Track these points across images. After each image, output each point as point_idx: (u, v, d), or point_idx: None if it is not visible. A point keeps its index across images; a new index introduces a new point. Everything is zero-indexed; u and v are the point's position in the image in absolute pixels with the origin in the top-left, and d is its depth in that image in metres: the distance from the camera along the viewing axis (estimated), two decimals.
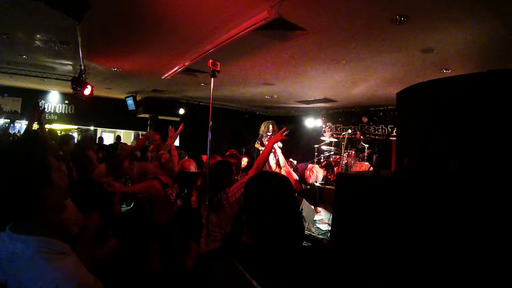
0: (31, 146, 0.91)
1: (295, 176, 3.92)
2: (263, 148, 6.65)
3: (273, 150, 3.61)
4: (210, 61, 2.03)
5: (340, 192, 2.06)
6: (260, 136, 6.66)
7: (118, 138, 9.46)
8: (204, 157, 3.53)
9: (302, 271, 0.98)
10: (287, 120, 10.74)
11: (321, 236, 4.09)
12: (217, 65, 2.04)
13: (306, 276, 0.97)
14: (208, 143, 2.22)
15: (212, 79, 2.02)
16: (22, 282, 0.82)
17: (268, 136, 6.41)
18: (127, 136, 11.12)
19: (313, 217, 4.76)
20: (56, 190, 0.90)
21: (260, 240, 1.04)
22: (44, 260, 0.83)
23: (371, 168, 2.26)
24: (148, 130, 9.69)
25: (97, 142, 8.88)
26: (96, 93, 5.96)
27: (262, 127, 6.51)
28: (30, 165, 0.85)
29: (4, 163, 0.84)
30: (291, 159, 6.83)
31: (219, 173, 2.42)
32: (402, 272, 1.44)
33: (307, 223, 4.49)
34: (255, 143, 6.89)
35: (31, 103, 8.81)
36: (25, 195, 0.83)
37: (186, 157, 4.80)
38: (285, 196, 1.10)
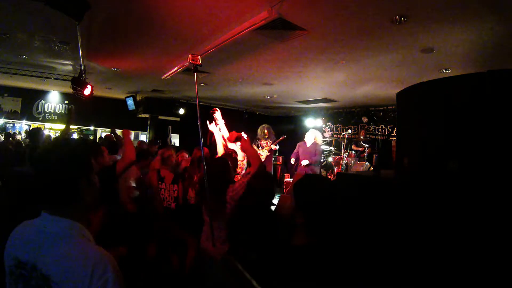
0: (82, 147, 1.07)
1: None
2: (259, 151, 6.80)
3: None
4: (190, 55, 1.98)
5: (340, 192, 2.05)
6: (256, 139, 6.80)
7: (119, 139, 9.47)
8: (198, 152, 3.53)
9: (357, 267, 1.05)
10: (287, 120, 10.74)
11: None
12: (198, 59, 1.98)
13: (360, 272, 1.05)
14: (201, 140, 2.20)
15: (195, 74, 1.96)
16: (59, 259, 0.87)
17: (265, 140, 6.63)
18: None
19: None
20: (92, 187, 1.03)
21: (323, 240, 1.08)
22: (81, 240, 0.93)
23: (371, 168, 2.26)
24: (148, 130, 9.70)
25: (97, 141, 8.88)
26: (96, 93, 5.95)
27: (259, 131, 6.78)
28: (76, 161, 1.00)
29: (54, 157, 0.98)
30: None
31: (221, 173, 2.39)
32: (402, 271, 1.44)
33: None
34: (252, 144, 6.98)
35: (31, 103, 8.85)
36: (66, 184, 0.96)
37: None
38: (335, 198, 1.17)
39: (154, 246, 3.17)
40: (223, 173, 2.37)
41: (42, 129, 8.44)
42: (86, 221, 1.02)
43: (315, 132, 6.23)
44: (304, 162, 5.86)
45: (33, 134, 4.50)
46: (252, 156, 2.44)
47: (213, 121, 3.47)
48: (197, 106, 2.22)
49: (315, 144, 6.05)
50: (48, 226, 0.93)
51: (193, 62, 2.08)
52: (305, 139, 6.16)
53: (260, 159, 2.48)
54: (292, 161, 6.28)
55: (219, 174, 2.36)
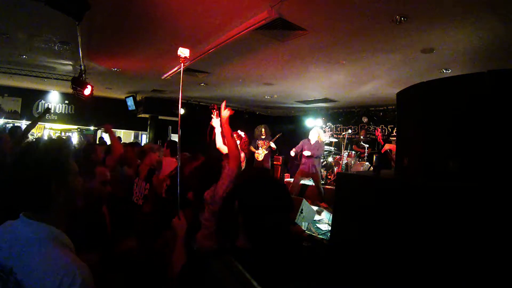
0: (53, 147, 1.02)
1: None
2: (256, 151, 6.84)
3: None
4: (180, 48, 1.90)
5: (340, 192, 2.06)
6: (254, 139, 6.85)
7: (118, 139, 9.46)
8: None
9: (303, 273, 0.97)
10: (287, 120, 10.73)
11: (321, 236, 4.09)
12: (187, 52, 1.90)
13: (307, 278, 0.97)
14: (178, 140, 2.15)
15: (182, 66, 1.89)
16: (30, 265, 0.86)
17: (262, 139, 6.70)
18: (127, 136, 11.12)
19: (313, 217, 4.77)
20: (69, 191, 0.99)
21: (259, 244, 1.00)
22: (55, 247, 0.90)
23: (371, 168, 2.26)
24: (148, 130, 9.69)
25: (97, 142, 8.88)
26: (96, 93, 5.96)
27: (256, 131, 6.83)
28: (46, 163, 0.96)
29: (25, 158, 0.96)
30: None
31: (211, 171, 2.37)
32: (402, 271, 1.44)
33: (307, 223, 4.49)
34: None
35: (31, 103, 8.85)
36: (36, 188, 0.93)
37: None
38: (283, 197, 1.07)
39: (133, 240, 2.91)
40: (216, 171, 2.34)
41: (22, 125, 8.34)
42: (65, 225, 0.99)
43: (319, 129, 6.31)
44: (306, 153, 5.98)
45: (12, 132, 4.47)
46: (230, 150, 2.28)
47: (215, 114, 3.46)
48: (179, 104, 2.16)
49: (318, 142, 6.12)
50: (22, 230, 0.92)
51: (181, 54, 1.99)
52: (309, 136, 6.21)
53: (238, 155, 2.40)
54: (292, 153, 6.36)
55: (213, 172, 2.35)
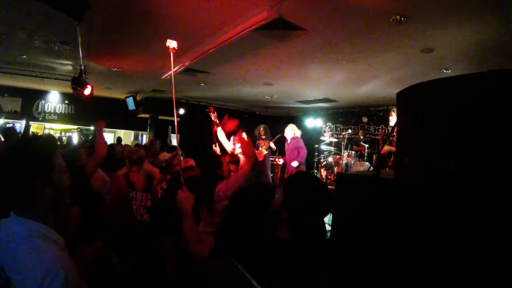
0: (37, 144, 1.01)
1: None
2: (257, 151, 6.83)
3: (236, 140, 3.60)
4: (168, 40, 1.86)
5: (340, 192, 2.05)
6: (254, 139, 6.86)
7: (119, 139, 9.45)
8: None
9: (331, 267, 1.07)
10: (287, 120, 10.73)
11: None
12: (174, 43, 1.87)
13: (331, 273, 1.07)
14: (177, 139, 2.03)
15: (172, 57, 1.84)
16: (18, 262, 0.86)
17: (262, 140, 6.71)
18: (127, 136, 11.12)
19: None
20: (55, 188, 0.98)
21: (302, 238, 1.10)
22: (42, 243, 0.91)
23: (371, 168, 2.26)
24: (148, 130, 9.69)
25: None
26: (96, 93, 5.97)
27: (256, 132, 6.81)
28: (29, 160, 0.95)
29: (9, 156, 0.97)
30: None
31: (213, 172, 2.42)
32: (402, 271, 1.44)
33: None
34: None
35: (31, 103, 8.84)
36: (20, 185, 0.93)
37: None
38: (325, 196, 1.18)
39: (130, 261, 2.64)
40: (215, 170, 2.41)
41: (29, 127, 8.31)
42: (53, 222, 0.99)
43: (292, 126, 6.03)
44: (294, 164, 5.75)
45: (5, 133, 4.44)
46: (248, 155, 2.45)
47: (213, 121, 3.52)
48: (174, 101, 2.10)
49: (294, 139, 5.91)
50: (11, 227, 0.93)
51: (170, 45, 1.93)
52: (285, 135, 5.99)
53: (254, 157, 2.47)
54: (280, 161, 6.15)
55: (212, 170, 2.40)
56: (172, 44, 1.76)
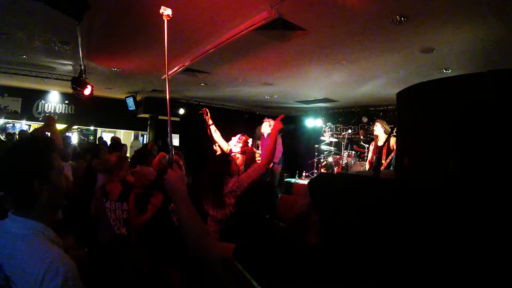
0: (35, 145, 1.02)
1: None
2: (257, 151, 6.80)
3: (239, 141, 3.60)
4: (162, 6, 1.69)
5: (339, 192, 2.05)
6: (254, 140, 6.82)
7: (100, 140, 9.37)
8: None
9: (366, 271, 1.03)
10: (287, 120, 10.73)
11: None
12: (169, 10, 1.72)
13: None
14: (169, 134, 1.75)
15: (166, 24, 1.63)
16: (17, 261, 0.87)
17: (262, 140, 6.65)
18: (127, 136, 11.12)
19: None
20: (53, 188, 0.99)
21: (333, 242, 1.05)
22: (40, 242, 0.92)
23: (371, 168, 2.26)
24: (148, 130, 9.69)
25: (97, 142, 8.88)
26: (96, 93, 5.96)
27: (256, 131, 6.75)
28: (28, 160, 0.96)
29: (8, 156, 0.98)
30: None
31: (220, 168, 2.43)
32: (402, 271, 1.44)
33: None
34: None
35: (31, 103, 8.85)
36: (19, 185, 0.94)
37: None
38: (361, 200, 1.15)
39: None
40: (223, 167, 2.44)
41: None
42: (51, 221, 1.00)
43: (269, 120, 5.38)
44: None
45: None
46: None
47: (207, 120, 3.57)
48: (167, 87, 2.00)
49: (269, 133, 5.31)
50: (10, 227, 0.93)
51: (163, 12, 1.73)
52: (262, 131, 5.47)
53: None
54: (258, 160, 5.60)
55: (219, 167, 2.44)
56: (166, 11, 1.59)
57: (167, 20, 1.64)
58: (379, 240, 1.56)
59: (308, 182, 1.19)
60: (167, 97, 1.59)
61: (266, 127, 5.34)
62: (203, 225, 1.23)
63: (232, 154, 3.46)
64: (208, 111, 3.70)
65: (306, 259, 0.98)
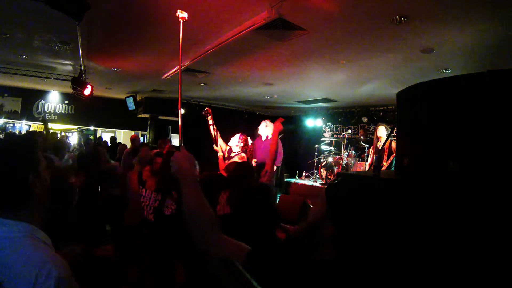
0: (22, 140, 1.02)
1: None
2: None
3: (240, 141, 3.60)
4: (178, 10, 1.69)
5: (339, 192, 2.05)
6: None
7: (113, 139, 9.42)
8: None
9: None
10: (287, 120, 10.72)
11: None
12: (185, 13, 1.73)
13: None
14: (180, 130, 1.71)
15: (181, 24, 1.63)
16: (8, 265, 0.85)
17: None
18: (127, 136, 11.12)
19: None
20: (42, 181, 0.98)
21: (349, 256, 0.93)
22: (31, 244, 0.90)
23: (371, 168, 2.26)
24: (148, 130, 9.69)
25: (97, 142, 8.88)
26: (96, 93, 5.97)
27: (257, 132, 6.66)
28: (18, 155, 0.96)
29: (1, 152, 0.97)
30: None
31: (243, 179, 2.42)
32: (402, 271, 1.44)
33: None
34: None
35: (31, 103, 8.86)
36: (16, 180, 0.93)
37: None
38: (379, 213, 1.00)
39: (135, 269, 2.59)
40: (245, 177, 2.42)
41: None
42: (40, 222, 0.99)
43: (266, 121, 4.99)
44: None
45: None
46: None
47: (208, 120, 3.56)
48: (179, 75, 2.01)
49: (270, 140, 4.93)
50: (0, 232, 0.92)
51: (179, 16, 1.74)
52: (259, 132, 4.99)
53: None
54: (254, 162, 4.94)
55: (241, 177, 2.42)
56: (182, 13, 1.60)
57: (183, 21, 1.65)
58: (401, 258, 1.55)
59: (326, 188, 1.05)
60: (179, 95, 1.56)
61: (263, 128, 5.08)
62: (213, 216, 1.05)
63: (237, 154, 3.48)
64: (210, 111, 3.69)
65: (323, 279, 0.90)
